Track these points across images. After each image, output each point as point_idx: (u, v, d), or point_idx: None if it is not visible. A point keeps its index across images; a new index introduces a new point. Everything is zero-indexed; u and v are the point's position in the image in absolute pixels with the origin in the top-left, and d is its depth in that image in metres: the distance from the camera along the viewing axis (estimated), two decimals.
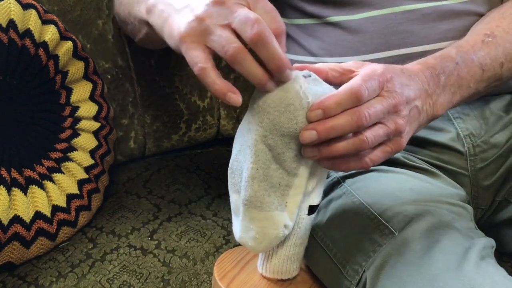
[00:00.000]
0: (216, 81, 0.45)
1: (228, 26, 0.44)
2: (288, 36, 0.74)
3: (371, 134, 0.46)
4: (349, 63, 0.51)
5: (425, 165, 0.66)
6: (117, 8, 0.79)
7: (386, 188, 0.60)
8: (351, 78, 0.48)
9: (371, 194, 0.59)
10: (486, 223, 0.70)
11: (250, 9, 0.45)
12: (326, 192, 0.64)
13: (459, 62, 0.57)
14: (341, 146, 0.46)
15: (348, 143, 0.46)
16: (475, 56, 0.58)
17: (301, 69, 0.49)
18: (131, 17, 0.70)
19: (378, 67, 0.49)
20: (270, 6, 0.46)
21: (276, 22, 0.46)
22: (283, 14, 0.75)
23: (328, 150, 0.47)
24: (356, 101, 0.45)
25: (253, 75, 0.45)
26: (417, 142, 0.68)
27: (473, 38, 0.61)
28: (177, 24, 0.48)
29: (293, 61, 0.51)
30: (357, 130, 0.46)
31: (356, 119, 0.45)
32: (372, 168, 0.63)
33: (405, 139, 0.49)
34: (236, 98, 0.46)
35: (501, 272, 0.48)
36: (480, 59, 0.58)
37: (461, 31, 0.64)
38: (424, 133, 0.67)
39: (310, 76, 0.48)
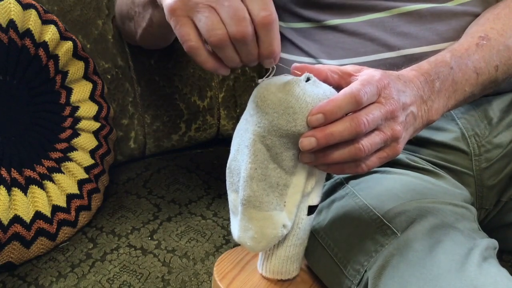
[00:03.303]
0: (207, 60, 0.47)
1: (214, 9, 0.44)
2: (286, 39, 0.74)
3: (367, 142, 0.46)
4: (347, 66, 0.51)
5: (428, 166, 0.66)
6: (118, 5, 0.79)
7: (389, 189, 0.60)
8: (349, 82, 0.48)
9: (374, 195, 0.59)
10: (491, 224, 0.70)
11: None
12: (329, 193, 0.64)
13: (454, 67, 0.56)
14: (337, 154, 0.46)
15: (344, 152, 0.46)
16: (469, 60, 0.58)
17: (301, 69, 0.49)
18: (134, 7, 0.70)
19: (376, 73, 0.49)
20: None
21: (267, 9, 0.45)
22: (279, 18, 0.74)
23: (324, 157, 0.47)
24: (356, 105, 0.45)
25: (231, 61, 0.46)
26: (420, 142, 0.67)
27: (468, 41, 0.60)
28: None
29: (292, 62, 0.51)
30: (355, 137, 0.45)
31: (355, 126, 0.45)
32: (375, 169, 0.63)
33: (401, 144, 0.50)
34: (225, 71, 0.49)
35: (504, 273, 0.48)
36: (475, 62, 0.58)
37: (459, 32, 0.64)
38: (428, 133, 0.67)
39: (309, 79, 0.48)
